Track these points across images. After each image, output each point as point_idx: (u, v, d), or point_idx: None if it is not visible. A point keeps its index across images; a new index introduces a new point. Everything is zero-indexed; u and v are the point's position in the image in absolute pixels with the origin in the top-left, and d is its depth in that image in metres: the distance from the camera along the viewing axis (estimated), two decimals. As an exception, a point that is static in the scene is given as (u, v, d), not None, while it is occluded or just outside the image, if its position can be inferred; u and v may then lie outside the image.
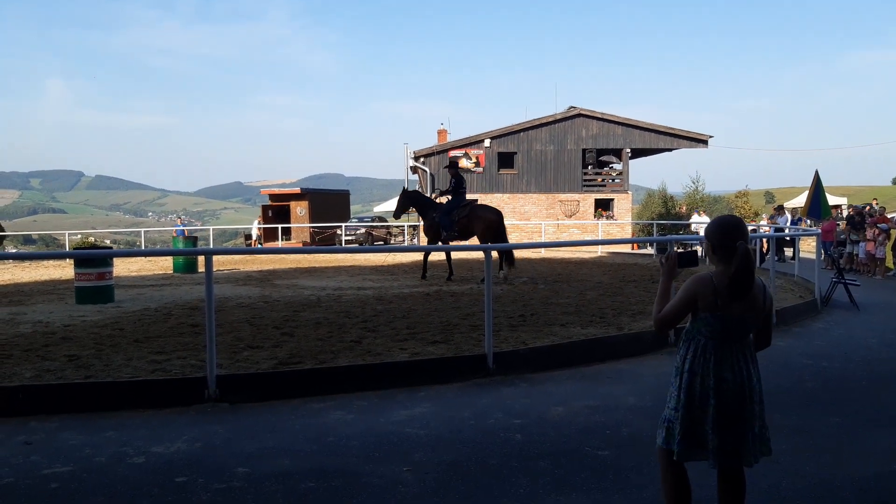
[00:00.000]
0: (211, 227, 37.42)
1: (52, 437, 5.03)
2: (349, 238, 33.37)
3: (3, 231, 33.82)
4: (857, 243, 18.96)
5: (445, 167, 18.08)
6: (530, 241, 31.76)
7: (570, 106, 35.07)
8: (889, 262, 17.74)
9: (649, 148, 35.21)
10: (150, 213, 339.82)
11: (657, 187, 60.20)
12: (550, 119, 34.10)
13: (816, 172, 15.37)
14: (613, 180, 35.07)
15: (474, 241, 16.08)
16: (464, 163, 33.53)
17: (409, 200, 16.36)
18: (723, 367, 3.10)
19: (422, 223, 16.83)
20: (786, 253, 21.48)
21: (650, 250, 26.19)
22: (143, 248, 36.06)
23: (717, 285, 3.10)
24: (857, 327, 9.89)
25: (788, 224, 23.63)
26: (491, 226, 15.16)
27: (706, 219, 27.18)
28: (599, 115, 34.12)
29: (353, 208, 53.89)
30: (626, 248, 27.25)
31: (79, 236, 38.46)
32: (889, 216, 19.75)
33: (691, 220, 29.79)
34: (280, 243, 32.74)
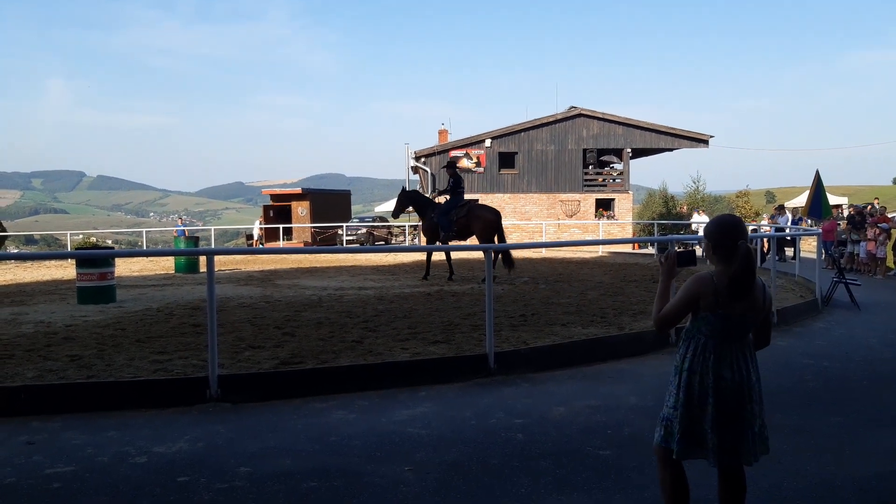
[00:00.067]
0: (212, 228, 37.46)
1: (55, 437, 5.04)
2: (350, 238, 33.38)
3: (4, 231, 33.85)
4: (857, 243, 18.96)
5: (443, 167, 18.09)
6: (531, 240, 31.76)
7: (570, 106, 35.08)
8: (890, 262, 17.73)
9: (650, 148, 35.22)
10: (151, 214, 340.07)
11: (658, 187, 60.25)
12: (551, 119, 34.10)
13: (817, 172, 15.36)
14: (614, 180, 35.07)
15: (473, 240, 16.11)
16: (465, 163, 33.54)
17: (408, 200, 16.38)
18: (722, 365, 3.11)
19: (420, 223, 16.84)
20: (786, 253, 21.48)
21: (651, 250, 26.19)
22: (144, 248, 36.10)
23: (717, 285, 3.11)
24: (858, 327, 9.89)
25: (789, 224, 23.64)
26: (489, 225, 15.20)
27: (706, 218, 27.18)
28: (600, 115, 34.12)
29: (354, 208, 53.92)
30: (627, 248, 27.25)
31: (80, 236, 38.50)
32: (890, 216, 19.74)
33: (692, 220, 29.80)
34: (281, 243, 32.76)
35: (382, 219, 39.03)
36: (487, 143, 33.77)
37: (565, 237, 33.59)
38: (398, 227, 35.71)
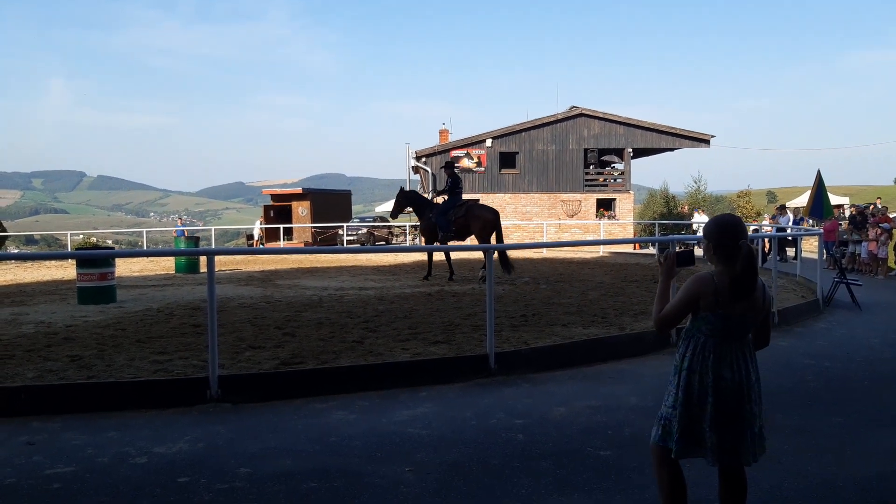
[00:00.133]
0: (213, 228, 37.46)
1: (55, 438, 5.04)
2: (351, 238, 33.38)
3: (5, 231, 33.86)
4: (859, 243, 18.94)
5: (441, 168, 18.09)
6: (532, 240, 31.76)
7: (571, 106, 35.08)
8: (891, 262, 17.72)
9: (651, 148, 35.23)
10: (151, 214, 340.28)
11: (659, 187, 60.25)
12: (552, 119, 34.11)
13: (818, 172, 15.35)
14: (615, 180, 35.07)
15: (472, 240, 16.13)
16: (465, 163, 33.56)
17: (406, 201, 16.41)
18: (722, 365, 3.10)
19: (419, 223, 16.87)
20: (788, 253, 21.47)
21: (652, 250, 26.18)
22: (144, 248, 36.11)
23: (718, 284, 3.10)
24: (860, 327, 9.88)
25: (790, 224, 23.62)
26: (488, 224, 15.24)
27: (706, 218, 27.17)
28: (601, 115, 34.13)
29: (355, 208, 53.93)
30: (628, 248, 27.26)
31: (81, 236, 38.51)
32: (891, 216, 19.72)
33: (693, 220, 29.79)
34: (282, 243, 32.76)
35: (383, 219, 39.05)
36: (488, 142, 33.78)
37: (566, 237, 33.60)
38: (399, 227, 35.71)
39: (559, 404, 5.86)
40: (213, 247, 30.43)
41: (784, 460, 4.41)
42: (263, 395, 6.05)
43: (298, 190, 38.95)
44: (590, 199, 34.31)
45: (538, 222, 32.69)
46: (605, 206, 34.49)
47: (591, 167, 34.67)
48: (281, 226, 33.29)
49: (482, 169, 33.86)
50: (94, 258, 11.88)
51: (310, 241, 34.62)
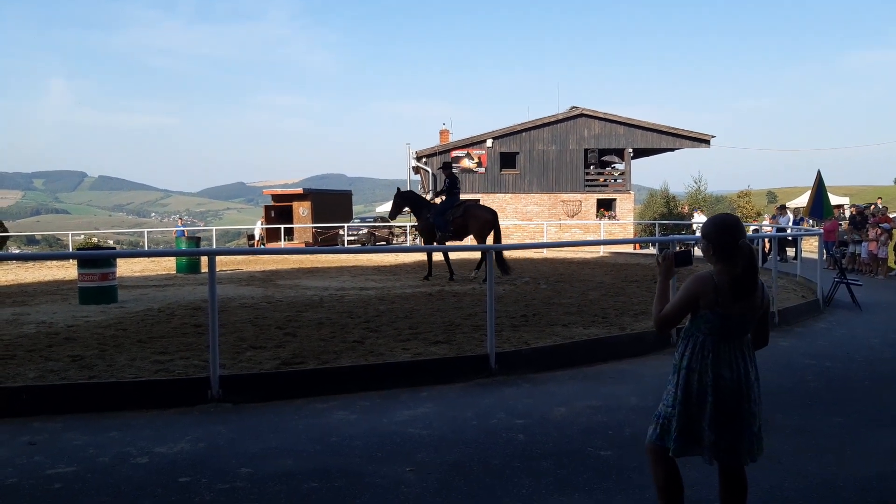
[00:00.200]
0: (214, 228, 37.48)
1: (56, 438, 5.04)
2: (351, 238, 33.39)
3: (6, 232, 33.89)
4: (859, 243, 18.94)
5: (439, 168, 18.13)
6: (532, 241, 31.76)
7: (572, 106, 35.09)
8: (891, 262, 17.71)
9: (651, 148, 35.23)
10: (153, 214, 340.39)
11: (659, 187, 60.25)
12: (552, 119, 34.12)
13: (818, 172, 15.35)
14: (615, 180, 35.08)
15: (469, 240, 16.18)
16: (466, 163, 33.57)
17: (404, 201, 16.47)
18: (721, 364, 3.11)
19: (417, 223, 16.92)
20: (788, 253, 21.46)
21: (652, 250, 26.19)
22: (146, 248, 36.13)
23: (717, 283, 3.11)
24: (860, 327, 9.88)
25: (790, 224, 23.62)
26: (486, 225, 15.32)
27: (705, 218, 27.18)
28: (601, 115, 34.14)
29: (356, 208, 53.91)
30: (629, 248, 27.26)
31: (82, 237, 38.55)
32: (891, 216, 19.72)
33: (692, 220, 29.79)
34: (283, 244, 32.77)
35: (384, 219, 39.06)
36: (489, 143, 33.79)
37: (566, 237, 33.61)
38: (399, 227, 35.71)
39: (560, 404, 5.86)
40: (214, 247, 30.45)
41: (784, 460, 4.42)
42: (264, 395, 6.05)
43: (299, 190, 38.94)
44: (590, 200, 34.32)
45: (538, 222, 32.70)
46: (605, 207, 34.49)
47: (592, 167, 34.67)
48: (282, 226, 33.30)
49: (482, 169, 33.86)
50: (96, 258, 11.89)
51: (311, 241, 34.63)
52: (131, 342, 8.01)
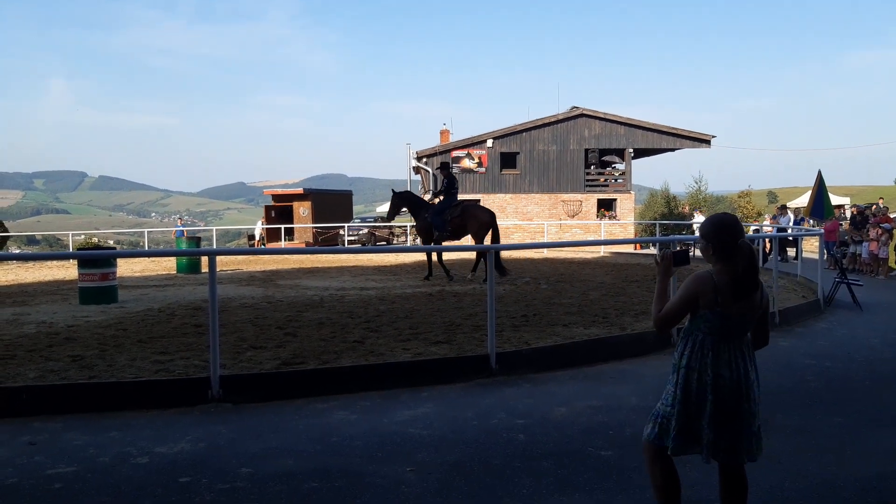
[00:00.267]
0: (214, 228, 37.48)
1: (56, 438, 5.05)
2: (352, 238, 33.39)
3: (6, 232, 33.90)
4: (859, 243, 18.93)
5: (437, 168, 18.15)
6: (533, 241, 31.76)
7: (572, 106, 35.09)
8: (892, 262, 17.71)
9: (652, 148, 35.23)
10: (153, 214, 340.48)
11: (660, 187, 60.24)
12: (553, 119, 34.11)
13: (819, 172, 15.33)
14: (616, 180, 35.08)
15: (467, 240, 16.23)
16: (466, 163, 33.57)
17: (402, 201, 16.52)
18: (720, 363, 3.11)
19: (415, 223, 16.97)
20: (788, 253, 21.46)
21: (653, 250, 26.18)
22: (146, 248, 36.14)
23: (717, 283, 3.11)
24: (860, 327, 9.88)
25: (791, 224, 23.62)
26: (485, 225, 15.40)
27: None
28: (602, 115, 34.13)
29: (356, 208, 53.92)
30: (629, 249, 27.26)
31: (82, 237, 38.55)
32: (892, 216, 19.71)
33: (693, 220, 29.79)
34: (283, 244, 32.77)
35: (384, 219, 39.06)
36: (489, 143, 33.79)
37: (567, 237, 33.60)
38: (399, 227, 35.72)
39: (560, 404, 5.86)
40: (215, 247, 30.46)
41: (784, 460, 4.42)
42: (265, 395, 6.05)
43: (299, 190, 38.93)
44: (591, 200, 34.31)
45: (539, 222, 32.70)
46: (605, 207, 34.49)
47: (592, 167, 34.67)
48: (282, 226, 33.30)
49: (483, 169, 33.86)
50: (96, 258, 11.89)
51: (311, 241, 34.63)
52: (132, 342, 8.01)
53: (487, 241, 15.33)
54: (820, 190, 15.36)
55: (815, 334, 9.32)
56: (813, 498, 3.91)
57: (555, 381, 6.67)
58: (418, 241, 32.72)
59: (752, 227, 27.67)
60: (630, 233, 34.94)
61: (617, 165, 35.78)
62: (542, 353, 7.34)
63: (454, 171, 32.62)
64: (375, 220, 37.59)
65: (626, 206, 34.49)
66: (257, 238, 35.78)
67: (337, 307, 10.85)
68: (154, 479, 4.23)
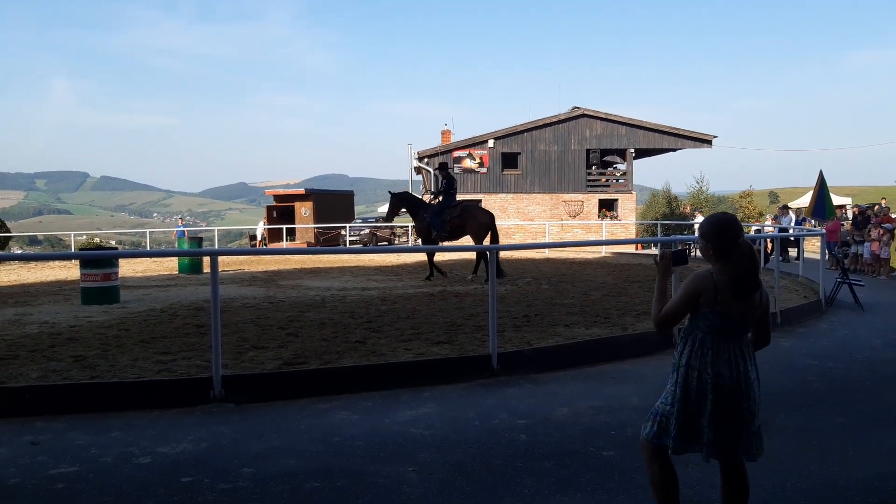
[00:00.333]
0: (216, 228, 37.48)
1: (59, 438, 5.05)
2: (353, 238, 33.40)
3: (8, 232, 33.93)
4: (861, 243, 18.92)
5: (435, 169, 18.19)
6: (534, 241, 31.75)
7: (573, 106, 35.09)
8: (894, 262, 17.68)
9: (653, 148, 35.22)
10: (155, 214, 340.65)
11: (661, 187, 60.20)
12: (554, 119, 34.11)
13: (821, 172, 15.33)
14: (617, 180, 35.06)
15: (465, 241, 16.30)
16: (468, 163, 33.57)
17: (400, 202, 16.61)
18: (720, 362, 3.12)
19: (414, 224, 17.05)
20: (790, 253, 21.44)
21: (654, 250, 26.17)
22: (148, 248, 36.17)
23: (717, 282, 3.12)
24: (862, 328, 9.87)
25: (793, 224, 23.60)
26: (484, 226, 15.49)
27: (706, 219, 27.14)
28: (603, 116, 34.12)
29: (358, 209, 53.91)
30: (631, 249, 27.25)
31: (84, 237, 38.56)
32: (894, 216, 19.68)
33: (694, 221, 29.77)
34: (284, 244, 32.78)
35: (385, 219, 39.05)
36: (490, 143, 33.79)
37: (568, 238, 33.59)
38: (401, 227, 35.73)
39: (562, 405, 5.86)
40: (217, 247, 30.47)
41: (786, 460, 4.42)
42: (267, 396, 6.06)
43: (301, 190, 38.93)
44: (592, 200, 34.30)
45: (540, 223, 32.70)
46: (607, 207, 34.48)
47: (594, 167, 34.66)
48: (284, 226, 33.31)
49: (484, 169, 33.86)
50: (98, 258, 11.91)
51: (312, 241, 34.64)
52: (134, 342, 8.02)
53: (487, 242, 15.37)
54: (821, 190, 15.34)
55: (817, 335, 9.31)
56: (815, 498, 3.91)
57: (556, 382, 6.67)
58: (418, 241, 32.79)
59: (754, 228, 27.66)
60: (631, 233, 34.93)
61: (618, 165, 35.77)
62: (543, 353, 7.34)
63: (455, 171, 32.64)
64: (377, 221, 37.59)
65: (628, 206, 34.48)
66: (259, 238, 35.79)
67: (339, 307, 10.86)
68: (156, 479, 4.24)
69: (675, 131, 34.39)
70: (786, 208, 25.84)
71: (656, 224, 35.01)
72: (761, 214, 51.56)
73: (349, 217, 38.67)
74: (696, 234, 3.46)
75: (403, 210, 16.84)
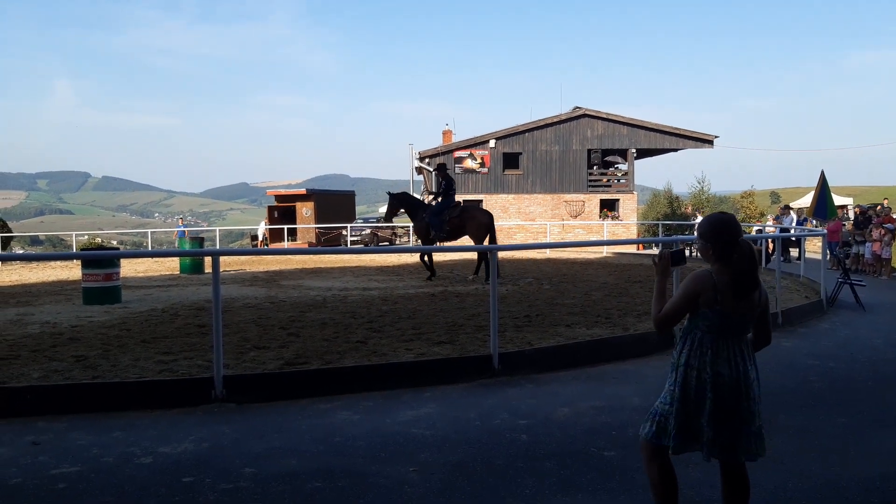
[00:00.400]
0: (217, 228, 37.48)
1: (60, 438, 5.06)
2: (354, 239, 33.41)
3: (10, 232, 33.95)
4: (862, 243, 18.90)
5: (434, 170, 18.21)
6: (535, 241, 31.75)
7: (575, 106, 35.09)
8: (895, 263, 17.67)
9: (655, 148, 35.21)
10: (156, 214, 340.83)
11: (662, 187, 60.20)
12: (555, 119, 34.11)
13: (822, 172, 15.31)
14: (619, 180, 35.06)
15: (464, 241, 16.33)
16: (469, 163, 33.57)
17: (399, 203, 16.65)
18: (719, 361, 3.12)
19: (413, 224, 17.10)
20: (791, 253, 21.43)
21: (656, 251, 26.18)
22: (149, 248, 36.18)
23: (717, 282, 3.12)
24: (863, 328, 9.86)
25: (794, 224, 23.58)
26: (483, 226, 15.54)
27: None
28: (604, 116, 34.12)
29: (359, 209, 53.94)
30: (632, 249, 27.24)
31: (86, 237, 38.56)
32: (895, 216, 19.66)
33: (696, 221, 29.76)
34: (286, 244, 32.79)
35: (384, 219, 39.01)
36: (492, 143, 33.79)
37: (570, 238, 33.58)
38: (402, 227, 35.74)
39: (563, 405, 5.86)
40: (218, 247, 30.50)
41: (788, 460, 4.41)
42: (268, 396, 6.06)
43: (302, 191, 38.93)
44: (593, 200, 34.30)
45: (541, 223, 32.70)
46: (608, 207, 34.47)
47: (595, 168, 34.66)
48: (285, 226, 33.32)
49: (485, 170, 33.86)
50: (99, 259, 11.93)
51: (314, 241, 34.65)
52: (135, 342, 8.03)
53: (486, 243, 15.41)
54: (823, 190, 15.33)
55: (818, 335, 9.31)
56: (816, 498, 3.90)
57: (557, 382, 6.67)
58: (419, 242, 32.77)
59: (755, 228, 27.64)
60: (633, 233, 34.92)
61: (619, 166, 35.77)
62: (544, 353, 7.34)
63: (456, 171, 32.65)
64: (378, 221, 37.59)
65: (629, 206, 34.47)
66: (260, 238, 35.80)
67: (340, 307, 10.86)
68: (158, 479, 4.24)
69: (677, 131, 34.38)
70: (787, 208, 25.83)
71: (658, 224, 35.00)
72: (763, 215, 51.54)
73: (350, 217, 38.68)
74: (695, 234, 3.46)
75: (402, 210, 16.88)
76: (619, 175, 35.30)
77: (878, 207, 21.08)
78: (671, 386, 3.21)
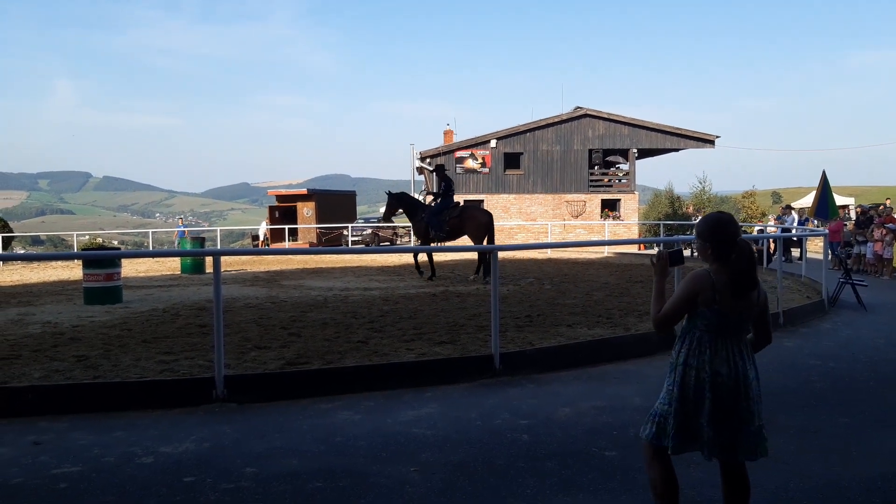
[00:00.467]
0: (218, 228, 37.49)
1: (61, 438, 5.06)
2: (355, 239, 33.42)
3: (11, 232, 33.98)
4: (863, 243, 18.89)
5: (433, 170, 18.25)
6: (536, 241, 31.74)
7: (576, 106, 35.09)
8: (897, 263, 17.65)
9: (656, 148, 35.20)
10: (157, 214, 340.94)
11: (664, 187, 60.17)
12: (557, 119, 34.10)
13: (824, 172, 15.31)
14: (620, 180, 35.05)
15: (463, 241, 16.36)
16: (470, 163, 33.57)
17: (397, 203, 16.68)
18: (718, 360, 3.12)
19: (412, 224, 17.14)
20: (793, 253, 21.42)
21: (656, 251, 26.18)
22: (150, 248, 36.19)
23: (715, 281, 3.12)
24: (865, 328, 9.86)
25: (795, 224, 23.57)
26: (482, 227, 15.59)
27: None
28: (606, 116, 34.11)
29: (360, 209, 53.93)
30: (633, 249, 27.22)
31: (87, 237, 38.57)
32: (897, 216, 19.64)
33: (694, 221, 29.76)
34: (287, 244, 32.80)
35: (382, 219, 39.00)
36: (493, 143, 33.79)
37: (571, 238, 33.57)
38: (403, 227, 35.74)
39: (564, 405, 5.86)
40: (219, 247, 30.50)
41: (789, 461, 4.41)
42: (269, 395, 6.06)
43: (303, 191, 38.91)
44: (594, 200, 34.29)
45: (543, 223, 32.69)
46: (609, 207, 34.46)
47: (596, 168, 34.65)
48: (286, 226, 33.33)
49: (486, 170, 33.86)
50: (101, 259, 11.93)
51: (315, 241, 34.65)
52: (136, 342, 8.03)
53: (485, 242, 15.44)
54: (824, 190, 15.33)
55: (820, 335, 9.30)
56: (818, 498, 3.90)
57: (559, 382, 6.67)
58: (419, 242, 32.76)
59: (757, 228, 27.63)
60: (634, 233, 34.90)
61: (621, 166, 35.76)
62: (545, 353, 7.34)
63: (458, 171, 32.64)
64: (379, 221, 37.60)
65: (630, 206, 34.46)
66: (261, 238, 35.80)
67: (341, 307, 10.87)
68: (159, 479, 4.24)
69: (678, 131, 34.37)
70: (789, 208, 25.82)
71: (659, 224, 34.98)
72: (764, 215, 51.50)
73: (351, 217, 38.68)
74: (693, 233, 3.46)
75: (400, 210, 16.91)
76: (621, 175, 35.30)
77: (880, 207, 21.07)
78: (670, 385, 3.21)
